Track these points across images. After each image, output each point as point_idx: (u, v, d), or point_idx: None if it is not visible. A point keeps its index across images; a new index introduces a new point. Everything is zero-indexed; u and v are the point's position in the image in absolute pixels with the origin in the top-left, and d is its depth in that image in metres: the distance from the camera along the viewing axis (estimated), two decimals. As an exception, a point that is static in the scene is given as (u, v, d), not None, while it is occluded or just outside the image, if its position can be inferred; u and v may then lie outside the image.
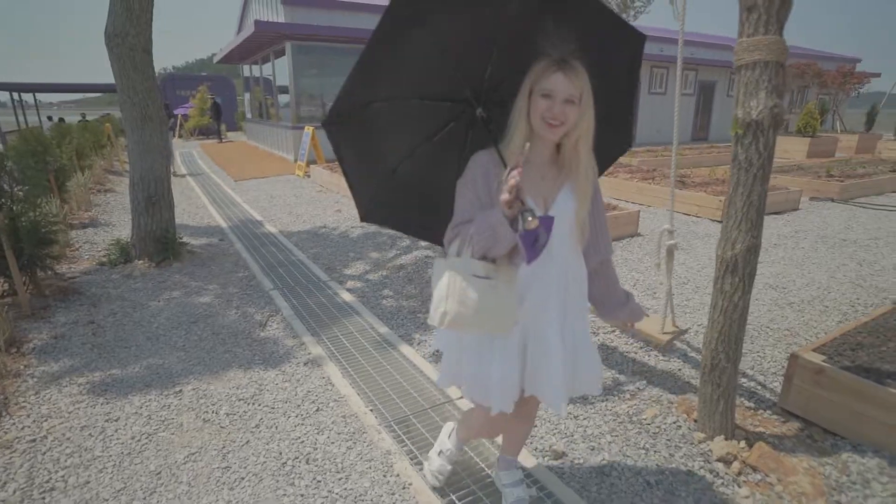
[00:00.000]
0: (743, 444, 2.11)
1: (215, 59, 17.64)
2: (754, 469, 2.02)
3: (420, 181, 1.54)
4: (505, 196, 1.17)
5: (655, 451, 2.15)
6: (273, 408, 2.47)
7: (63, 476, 2.01)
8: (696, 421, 2.27)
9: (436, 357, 2.98)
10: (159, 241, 4.59)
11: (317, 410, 2.44)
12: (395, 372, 2.79)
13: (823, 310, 3.67)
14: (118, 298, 3.81)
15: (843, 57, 23.82)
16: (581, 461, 2.11)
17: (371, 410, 2.44)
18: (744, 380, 2.70)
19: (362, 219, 1.55)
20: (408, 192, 1.54)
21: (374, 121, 1.39)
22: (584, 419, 2.38)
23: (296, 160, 11.38)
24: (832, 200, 7.73)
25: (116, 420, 2.37)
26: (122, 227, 5.95)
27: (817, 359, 2.30)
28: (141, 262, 4.50)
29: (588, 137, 1.30)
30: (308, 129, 10.62)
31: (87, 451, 2.15)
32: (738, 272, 1.91)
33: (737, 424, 2.23)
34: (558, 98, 1.23)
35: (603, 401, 2.51)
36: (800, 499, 1.87)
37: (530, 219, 1.16)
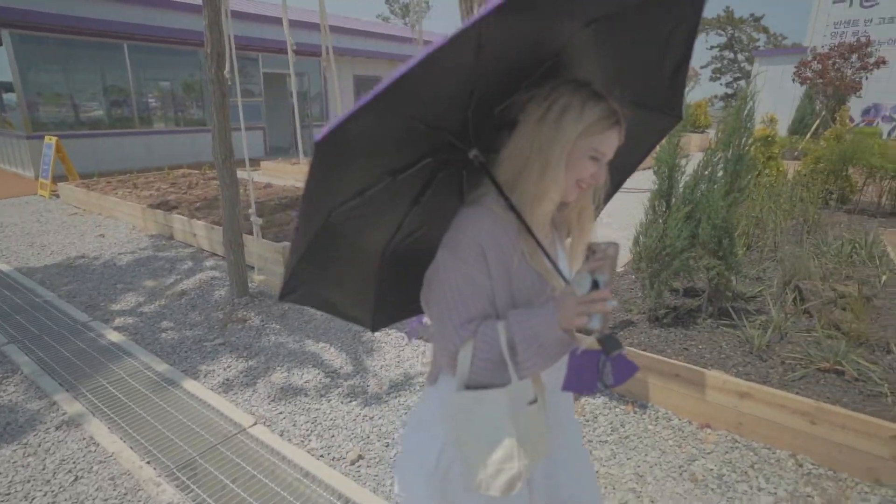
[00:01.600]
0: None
1: None
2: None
3: (355, 233, 1.04)
4: (583, 320, 0.86)
5: (441, 433, 2.39)
6: (8, 494, 2.03)
7: None
8: (472, 398, 2.60)
9: (226, 385, 2.81)
10: None
11: (75, 480, 2.10)
12: (177, 412, 2.55)
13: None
14: None
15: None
16: (377, 459, 2.24)
17: (148, 462, 2.19)
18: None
19: (280, 298, 1.05)
20: (336, 249, 1.04)
21: (349, 143, 0.85)
22: (379, 418, 2.52)
23: (37, 177, 9.32)
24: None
25: None
26: None
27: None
28: None
29: None
30: (50, 140, 8.78)
31: None
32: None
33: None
34: (605, 160, 0.96)
35: (396, 396, 2.69)
36: (550, 444, 2.30)
37: (618, 353, 0.87)
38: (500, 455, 0.93)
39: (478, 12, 0.70)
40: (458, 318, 0.94)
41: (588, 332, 0.86)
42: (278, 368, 3.00)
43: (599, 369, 0.92)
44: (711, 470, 2.16)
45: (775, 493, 2.02)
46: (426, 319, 1.24)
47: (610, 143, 0.94)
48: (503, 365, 0.92)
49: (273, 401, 2.68)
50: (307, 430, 2.45)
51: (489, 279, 0.95)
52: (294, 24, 14.26)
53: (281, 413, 2.58)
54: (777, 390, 2.25)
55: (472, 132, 0.98)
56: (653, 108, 1.12)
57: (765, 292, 3.32)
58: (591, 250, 0.92)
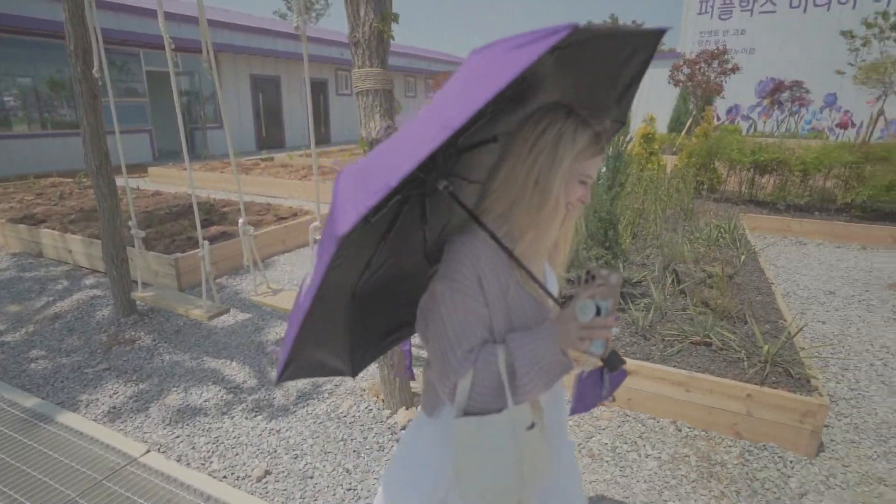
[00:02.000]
0: (421, 408, 2.52)
1: None
2: (429, 425, 2.44)
3: (330, 284, 0.97)
4: (585, 345, 0.88)
5: (352, 439, 2.37)
6: None
7: None
8: (383, 401, 2.60)
9: (112, 414, 2.56)
10: None
11: (-80, 543, 1.81)
12: (52, 451, 2.28)
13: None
14: None
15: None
16: (285, 473, 2.17)
17: (17, 511, 1.95)
18: (422, 351, 3.20)
19: (277, 382, 1.04)
20: (319, 308, 0.97)
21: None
22: (287, 431, 2.44)
23: None
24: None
25: None
26: None
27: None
28: None
29: None
30: None
31: None
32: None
33: (415, 392, 2.65)
34: (590, 182, 1.00)
35: (304, 406, 2.62)
36: (459, 437, 2.37)
37: (623, 368, 0.92)
38: (499, 483, 0.93)
39: (470, 92, 0.67)
40: (461, 350, 0.93)
41: (591, 355, 0.89)
42: (174, 389, 2.80)
43: (603, 384, 0.98)
44: (606, 444, 2.34)
45: (659, 458, 2.24)
46: (408, 347, 1.30)
47: (596, 166, 0.98)
48: (501, 389, 0.92)
49: (168, 424, 2.49)
50: (208, 451, 2.31)
51: (487, 307, 0.95)
52: (182, 18, 13.20)
53: (178, 437, 2.40)
54: (658, 365, 2.50)
55: (441, 162, 0.96)
56: (606, 117, 1.19)
57: (648, 277, 3.65)
58: (591, 275, 0.91)
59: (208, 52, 2.31)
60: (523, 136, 0.95)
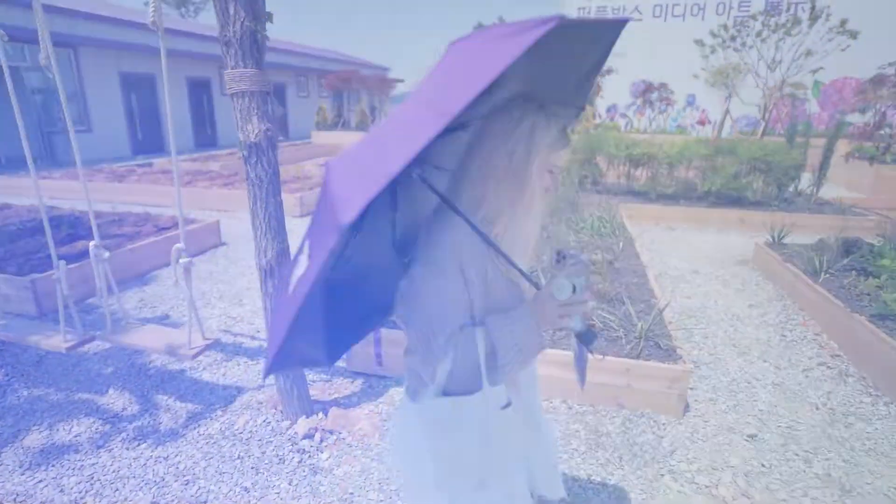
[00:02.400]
0: (321, 415, 2.47)
1: None
2: (331, 432, 2.39)
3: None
4: (565, 322, 0.96)
5: (249, 455, 2.25)
6: None
7: None
8: (281, 412, 2.50)
9: (-45, 467, 2.21)
10: None
11: None
12: None
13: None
14: None
15: (378, 66, 29.70)
16: (175, 501, 2.01)
17: None
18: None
19: (265, 375, 1.04)
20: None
21: None
22: (176, 456, 2.26)
23: None
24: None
25: None
26: None
27: (364, 323, 2.88)
28: None
29: None
30: None
31: None
32: (275, 274, 2.17)
33: (316, 399, 2.58)
34: (557, 171, 1.06)
35: (195, 427, 2.44)
36: (362, 440, 2.35)
37: (596, 340, 1.00)
38: (469, 458, 1.00)
39: (463, 79, 0.68)
40: (442, 335, 0.96)
41: (571, 331, 0.98)
42: (35, 428, 2.47)
43: (584, 354, 1.10)
44: (505, 428, 2.45)
45: (553, 435, 2.40)
46: (379, 336, 1.29)
47: (563, 157, 1.04)
48: (479, 371, 0.97)
49: (28, 469, 2.20)
50: (80, 491, 2.07)
51: (467, 291, 0.97)
52: (28, 4, 11.57)
53: (41, 481, 2.13)
54: (549, 350, 2.66)
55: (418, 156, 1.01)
56: (568, 105, 1.23)
57: (538, 267, 3.87)
58: (562, 255, 0.97)
59: (46, 48, 2.06)
60: (499, 126, 0.99)
